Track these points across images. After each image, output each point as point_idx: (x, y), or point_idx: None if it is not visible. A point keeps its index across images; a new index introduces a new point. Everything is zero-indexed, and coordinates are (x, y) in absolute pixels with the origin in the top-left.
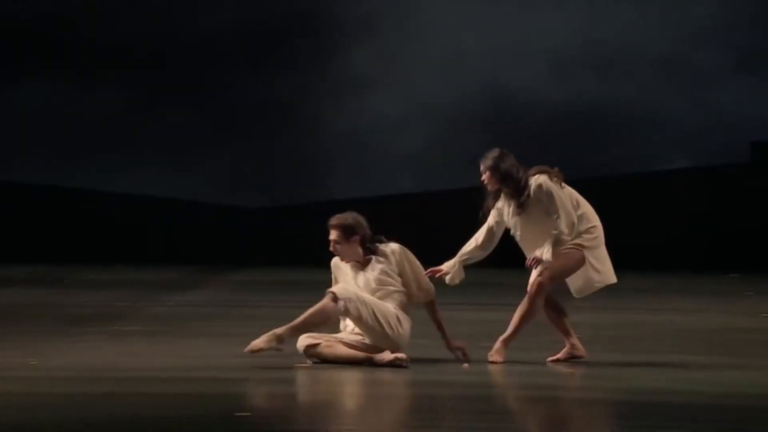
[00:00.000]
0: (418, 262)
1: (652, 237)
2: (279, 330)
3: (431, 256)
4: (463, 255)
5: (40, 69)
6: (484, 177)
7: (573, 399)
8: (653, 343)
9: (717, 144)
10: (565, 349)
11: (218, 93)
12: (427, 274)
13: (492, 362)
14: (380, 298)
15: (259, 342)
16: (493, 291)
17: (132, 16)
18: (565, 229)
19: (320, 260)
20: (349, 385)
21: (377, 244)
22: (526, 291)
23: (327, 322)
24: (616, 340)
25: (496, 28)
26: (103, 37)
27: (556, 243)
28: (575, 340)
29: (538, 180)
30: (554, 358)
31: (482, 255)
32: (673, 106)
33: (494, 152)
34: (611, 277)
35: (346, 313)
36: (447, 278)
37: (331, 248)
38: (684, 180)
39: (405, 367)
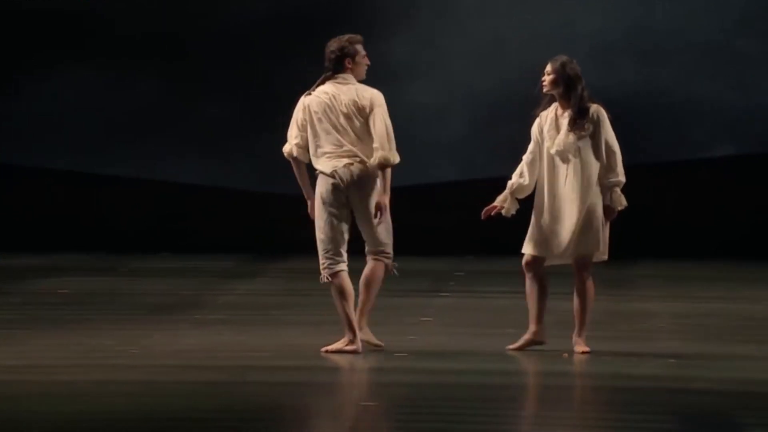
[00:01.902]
0: None
1: (696, 225)
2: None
3: (473, 245)
4: (512, 186)
5: (78, 57)
6: (547, 79)
7: (690, 390)
8: (738, 332)
9: (762, 131)
10: (526, 336)
11: (257, 80)
12: (484, 215)
13: (583, 353)
14: None
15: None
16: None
17: (170, 3)
18: (621, 172)
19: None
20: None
21: None
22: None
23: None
24: (702, 329)
25: (537, 14)
26: (142, 25)
27: (619, 186)
28: (541, 327)
29: (601, 109)
30: (514, 346)
31: (531, 183)
32: (716, 93)
33: (564, 57)
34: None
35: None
36: (503, 211)
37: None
38: (728, 167)
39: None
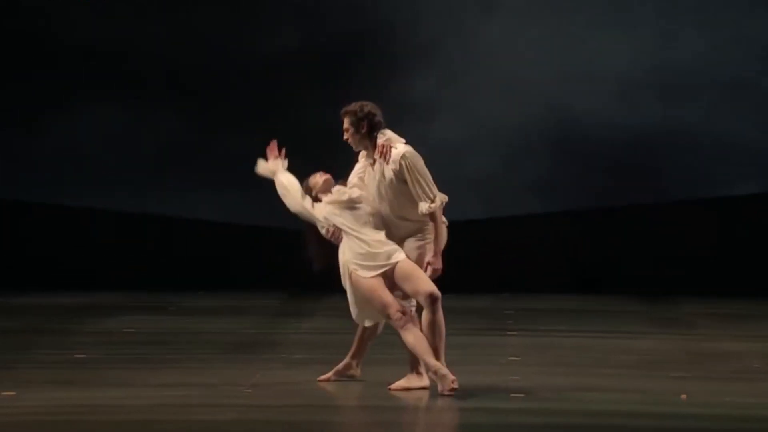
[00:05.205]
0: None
1: (717, 262)
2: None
3: (497, 282)
4: None
5: (102, 94)
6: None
7: None
8: None
9: None
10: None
11: (279, 117)
12: None
13: None
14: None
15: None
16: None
17: (192, 40)
18: None
19: None
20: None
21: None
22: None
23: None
24: None
25: (561, 51)
26: (163, 62)
27: None
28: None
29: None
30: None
31: None
32: (740, 130)
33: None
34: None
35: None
36: None
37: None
38: (753, 205)
39: None
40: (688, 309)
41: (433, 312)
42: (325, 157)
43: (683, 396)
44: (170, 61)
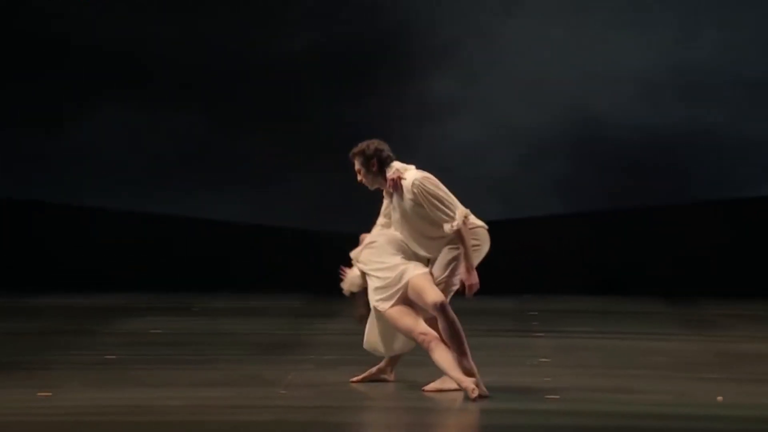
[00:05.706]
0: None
1: (739, 263)
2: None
3: (517, 283)
4: None
5: (105, 95)
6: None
7: None
8: None
9: None
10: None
11: (299, 117)
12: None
13: None
14: None
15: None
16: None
17: (210, 40)
18: None
19: None
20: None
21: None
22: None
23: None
24: None
25: (581, 51)
26: (166, 62)
27: None
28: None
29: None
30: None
31: None
32: (762, 130)
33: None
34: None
35: None
36: None
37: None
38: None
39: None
40: (713, 310)
41: (444, 318)
42: (334, 157)
43: (719, 398)
44: (173, 62)
